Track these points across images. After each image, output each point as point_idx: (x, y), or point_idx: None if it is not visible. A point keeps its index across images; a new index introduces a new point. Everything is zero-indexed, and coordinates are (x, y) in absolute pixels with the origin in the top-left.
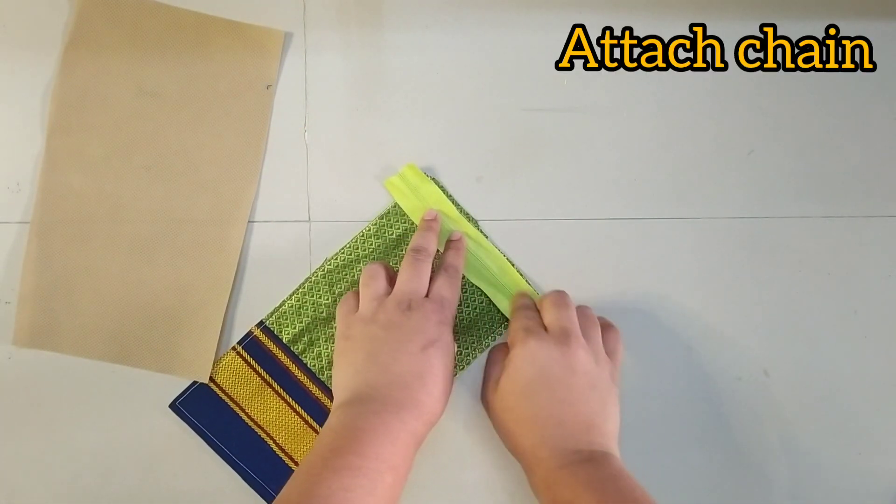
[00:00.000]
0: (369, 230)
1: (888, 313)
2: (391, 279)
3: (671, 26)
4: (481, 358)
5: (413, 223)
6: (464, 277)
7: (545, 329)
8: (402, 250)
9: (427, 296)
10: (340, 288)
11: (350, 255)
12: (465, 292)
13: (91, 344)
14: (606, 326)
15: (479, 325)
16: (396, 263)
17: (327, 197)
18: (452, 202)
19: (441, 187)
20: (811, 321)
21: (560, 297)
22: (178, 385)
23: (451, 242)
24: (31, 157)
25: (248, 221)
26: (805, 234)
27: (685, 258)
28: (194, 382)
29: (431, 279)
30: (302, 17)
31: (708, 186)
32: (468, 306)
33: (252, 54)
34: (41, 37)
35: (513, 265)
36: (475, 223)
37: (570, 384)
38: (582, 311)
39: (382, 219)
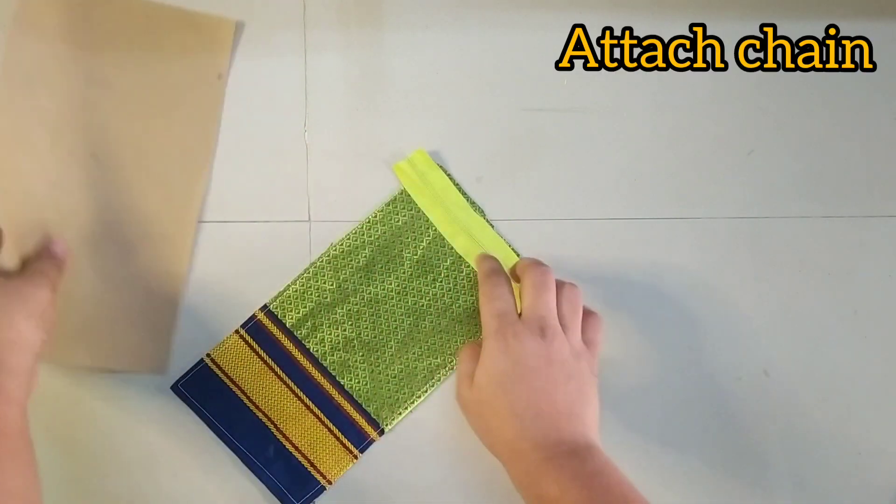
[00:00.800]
0: (375, 217)
1: (888, 313)
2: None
3: (671, 26)
4: None
5: (419, 210)
6: (464, 270)
7: (518, 312)
8: (407, 237)
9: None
10: (345, 273)
11: (356, 240)
12: (464, 290)
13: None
14: (588, 314)
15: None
16: (401, 251)
17: (327, 197)
18: (459, 191)
19: (449, 175)
20: (811, 321)
21: (541, 278)
22: (179, 368)
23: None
24: None
25: (248, 221)
26: (805, 234)
27: (685, 258)
28: (196, 364)
29: None
30: (302, 17)
31: (708, 186)
32: (464, 304)
33: (203, 44)
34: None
35: (519, 256)
36: (482, 212)
37: (547, 375)
38: (566, 293)
39: (389, 206)
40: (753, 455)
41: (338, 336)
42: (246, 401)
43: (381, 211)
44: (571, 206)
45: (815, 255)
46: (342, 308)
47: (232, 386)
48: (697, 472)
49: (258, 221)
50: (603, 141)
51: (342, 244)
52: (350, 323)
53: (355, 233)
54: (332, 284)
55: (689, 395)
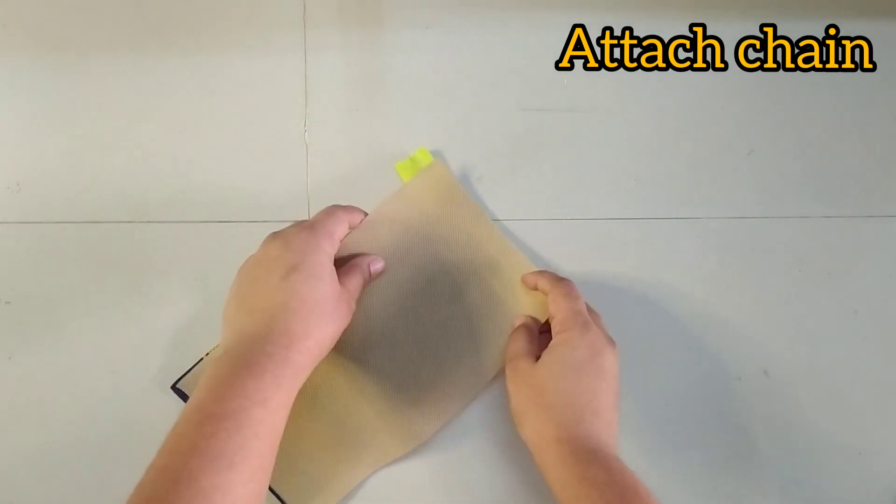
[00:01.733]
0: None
1: (888, 313)
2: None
3: (671, 26)
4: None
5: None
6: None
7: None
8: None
9: None
10: None
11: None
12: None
13: None
14: None
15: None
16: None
17: (327, 197)
18: (469, 197)
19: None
20: (811, 321)
21: (570, 287)
22: (178, 368)
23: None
24: (31, 157)
25: (248, 221)
26: (805, 234)
27: (685, 258)
28: (196, 364)
29: None
30: (302, 17)
31: (708, 186)
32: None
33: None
34: (41, 38)
35: (518, 252)
36: (489, 216)
37: (609, 380)
38: (588, 305)
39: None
40: (753, 455)
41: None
42: None
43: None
44: (571, 206)
45: (815, 255)
46: None
47: None
48: (697, 472)
49: (258, 221)
50: (603, 141)
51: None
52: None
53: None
54: None
55: (689, 395)
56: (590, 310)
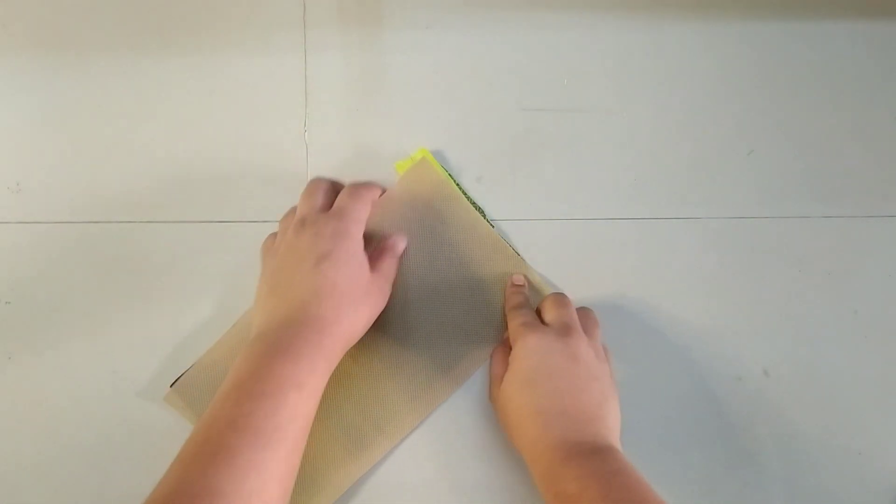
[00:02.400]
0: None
1: (888, 313)
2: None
3: (672, 26)
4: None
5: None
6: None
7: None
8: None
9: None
10: None
11: None
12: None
13: None
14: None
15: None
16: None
17: None
18: (461, 190)
19: (450, 174)
20: (811, 321)
21: (561, 297)
22: (178, 369)
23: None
24: (31, 157)
25: (248, 221)
26: (805, 234)
27: (685, 258)
28: (189, 369)
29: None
30: (302, 17)
31: (708, 186)
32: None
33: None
34: (41, 38)
35: (519, 255)
36: (482, 212)
37: (573, 374)
38: (584, 311)
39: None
40: (753, 455)
41: None
42: None
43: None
44: (571, 206)
45: (815, 255)
46: None
47: None
48: (697, 472)
49: (258, 221)
50: (603, 141)
51: None
52: None
53: None
54: None
55: (689, 395)
56: (588, 318)
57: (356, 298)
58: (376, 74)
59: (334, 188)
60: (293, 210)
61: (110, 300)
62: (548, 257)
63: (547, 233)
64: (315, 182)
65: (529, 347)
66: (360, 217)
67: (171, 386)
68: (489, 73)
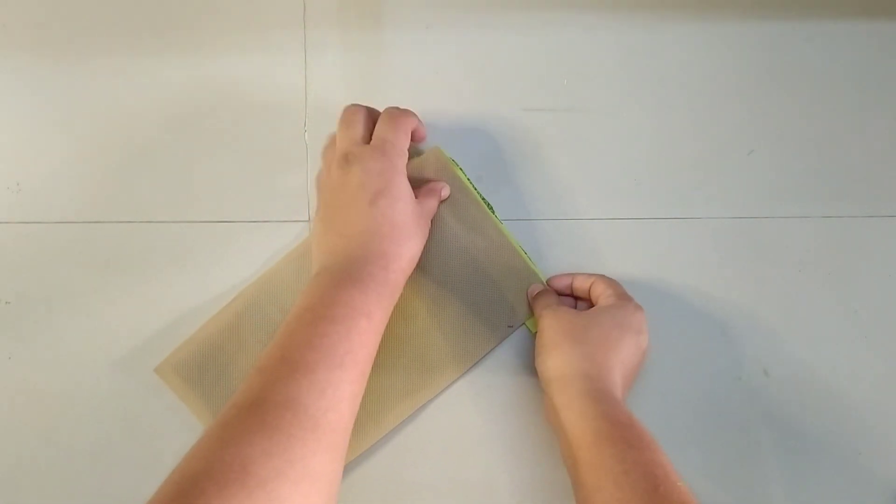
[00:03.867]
0: None
1: (888, 313)
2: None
3: (672, 26)
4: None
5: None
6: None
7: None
8: None
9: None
10: None
11: None
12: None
13: (215, 412)
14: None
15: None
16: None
17: None
18: (474, 188)
19: (462, 171)
20: (811, 321)
21: (592, 275)
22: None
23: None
24: (31, 157)
25: (248, 221)
26: (805, 234)
27: (685, 258)
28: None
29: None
30: (302, 17)
31: (708, 186)
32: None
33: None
34: (41, 37)
35: (526, 255)
36: (492, 210)
37: (620, 336)
38: (603, 279)
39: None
40: (753, 455)
41: None
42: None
43: None
44: (571, 206)
45: (815, 255)
46: None
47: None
48: (697, 471)
49: (258, 221)
50: (603, 141)
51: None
52: None
53: None
54: None
55: (689, 395)
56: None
57: (411, 232)
58: (376, 74)
59: (371, 115)
60: (333, 141)
61: (110, 300)
62: (548, 257)
63: (547, 233)
64: (351, 111)
65: (637, 316)
66: (403, 149)
67: (154, 370)
68: (489, 73)
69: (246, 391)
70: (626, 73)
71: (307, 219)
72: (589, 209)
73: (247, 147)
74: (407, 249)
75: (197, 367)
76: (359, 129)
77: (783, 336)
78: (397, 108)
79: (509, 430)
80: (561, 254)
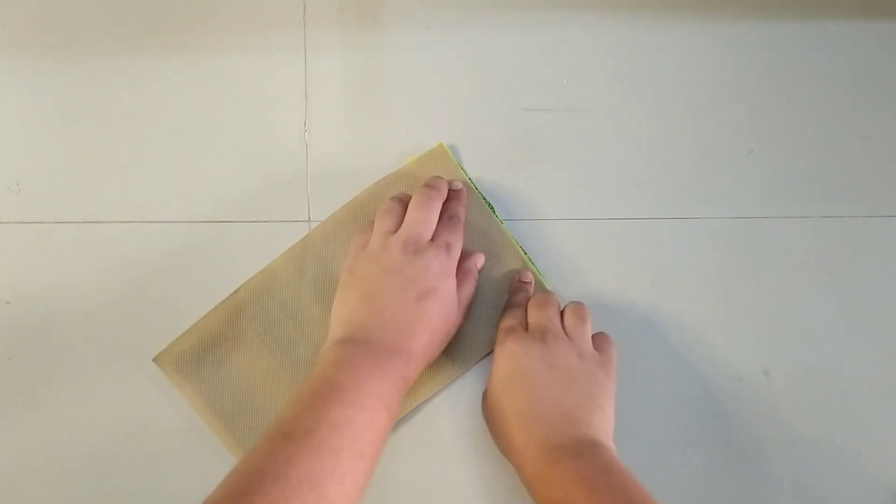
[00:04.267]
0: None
1: (888, 313)
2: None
3: (671, 26)
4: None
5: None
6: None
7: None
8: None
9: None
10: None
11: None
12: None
13: (211, 405)
14: (597, 334)
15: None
16: None
17: (327, 197)
18: (475, 188)
19: (464, 170)
20: (811, 321)
21: (543, 297)
22: None
23: (451, 192)
24: (31, 157)
25: (248, 221)
26: (805, 234)
27: (685, 258)
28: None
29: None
30: (302, 17)
31: (708, 186)
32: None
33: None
34: (41, 37)
35: (526, 254)
36: (493, 210)
37: (548, 378)
38: (573, 307)
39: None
40: (753, 455)
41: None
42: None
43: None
44: (571, 206)
45: (815, 255)
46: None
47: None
48: (697, 472)
49: (258, 221)
50: (603, 141)
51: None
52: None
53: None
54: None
55: (689, 395)
56: (575, 315)
57: (443, 338)
58: (376, 74)
59: (440, 199)
60: (392, 211)
61: (110, 300)
62: (548, 257)
63: (547, 233)
64: (431, 193)
65: (506, 354)
66: (458, 253)
67: (153, 359)
68: (489, 73)
69: (270, 459)
70: (626, 73)
71: (307, 219)
72: (589, 209)
73: (247, 147)
74: (430, 352)
75: (195, 360)
76: (434, 216)
77: (783, 336)
78: (458, 210)
79: None
80: (561, 254)
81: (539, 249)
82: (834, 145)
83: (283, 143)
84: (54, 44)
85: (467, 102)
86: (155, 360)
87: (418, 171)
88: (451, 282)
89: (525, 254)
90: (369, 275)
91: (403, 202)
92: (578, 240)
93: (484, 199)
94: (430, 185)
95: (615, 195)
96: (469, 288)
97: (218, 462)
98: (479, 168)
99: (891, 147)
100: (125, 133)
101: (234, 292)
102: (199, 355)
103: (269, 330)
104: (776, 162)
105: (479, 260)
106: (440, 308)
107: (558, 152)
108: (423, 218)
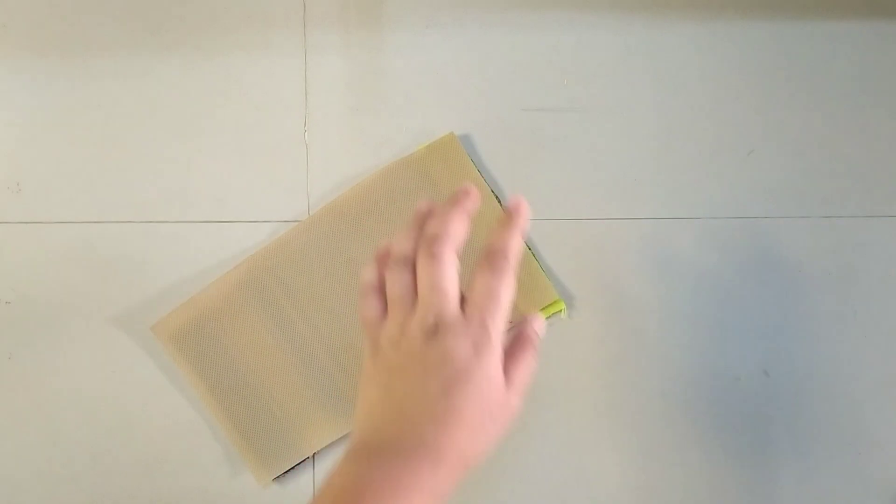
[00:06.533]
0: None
1: (888, 313)
2: None
3: (671, 26)
4: None
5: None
6: None
7: None
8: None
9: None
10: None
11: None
12: None
13: (205, 378)
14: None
15: None
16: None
17: (327, 197)
18: (485, 181)
19: (474, 162)
20: (811, 321)
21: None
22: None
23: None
24: (31, 157)
25: (248, 221)
26: (805, 234)
27: (685, 258)
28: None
29: (472, 276)
30: (302, 17)
31: (708, 186)
32: None
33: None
34: (41, 37)
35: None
36: (500, 202)
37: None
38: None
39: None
40: (753, 455)
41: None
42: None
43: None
44: (571, 206)
45: (815, 255)
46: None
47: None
48: (697, 471)
49: (258, 221)
50: (603, 141)
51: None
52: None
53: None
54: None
55: (689, 395)
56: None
57: (491, 428)
58: (376, 74)
59: (453, 247)
60: (400, 280)
61: (110, 300)
62: (548, 257)
63: (547, 233)
64: (439, 247)
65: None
66: (502, 320)
67: (152, 328)
68: (489, 74)
69: None
70: (626, 73)
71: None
72: (589, 209)
73: (247, 147)
74: (473, 453)
75: (193, 333)
76: (456, 294)
77: (783, 336)
78: (497, 279)
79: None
80: (561, 254)
81: (539, 249)
82: (834, 145)
83: (283, 143)
84: (54, 44)
85: (467, 102)
86: (152, 329)
87: (427, 160)
88: (492, 360)
89: (529, 249)
90: (388, 364)
91: (409, 262)
92: (578, 240)
93: (492, 192)
94: (437, 237)
95: (615, 195)
96: (525, 361)
97: (218, 462)
98: (478, 168)
99: (891, 147)
100: (125, 133)
101: (235, 266)
102: (198, 328)
103: (268, 307)
104: (776, 162)
105: (537, 324)
106: (477, 396)
107: (558, 152)
108: (437, 285)
